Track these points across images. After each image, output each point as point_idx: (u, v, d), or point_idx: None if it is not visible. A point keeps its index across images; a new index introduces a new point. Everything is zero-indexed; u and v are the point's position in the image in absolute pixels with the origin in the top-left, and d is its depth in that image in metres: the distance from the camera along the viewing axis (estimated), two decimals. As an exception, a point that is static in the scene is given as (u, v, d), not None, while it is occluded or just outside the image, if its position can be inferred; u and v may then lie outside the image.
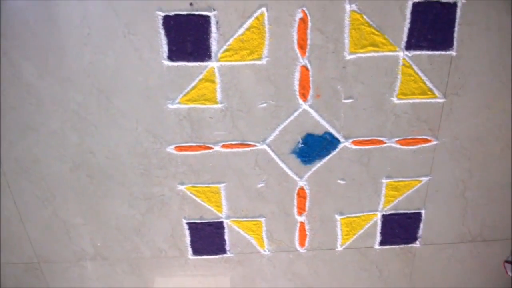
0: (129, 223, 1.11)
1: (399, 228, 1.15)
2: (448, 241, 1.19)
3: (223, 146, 1.01)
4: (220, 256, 1.17)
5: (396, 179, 1.08)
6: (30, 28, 0.87)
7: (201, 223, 1.11)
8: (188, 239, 1.14)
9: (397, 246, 1.18)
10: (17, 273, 1.17)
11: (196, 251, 1.15)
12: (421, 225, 1.15)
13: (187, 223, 1.11)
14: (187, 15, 0.86)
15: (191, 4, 0.85)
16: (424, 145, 1.04)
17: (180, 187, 1.06)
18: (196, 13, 0.86)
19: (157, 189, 1.06)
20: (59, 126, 0.98)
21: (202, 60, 0.91)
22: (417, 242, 1.17)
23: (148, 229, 1.12)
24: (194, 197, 1.08)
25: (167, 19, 0.87)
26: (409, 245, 1.18)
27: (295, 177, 1.06)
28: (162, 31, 0.88)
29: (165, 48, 0.90)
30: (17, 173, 1.03)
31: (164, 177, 1.05)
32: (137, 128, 0.98)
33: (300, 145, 1.01)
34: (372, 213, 1.12)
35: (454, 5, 0.88)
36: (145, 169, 1.03)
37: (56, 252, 1.15)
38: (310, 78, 0.94)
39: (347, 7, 0.87)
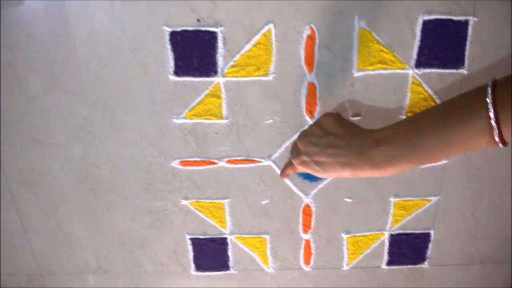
0: (131, 237, 1.10)
1: (407, 248, 1.12)
2: (457, 262, 1.16)
3: (227, 161, 1.00)
4: (223, 272, 1.15)
5: (405, 198, 1.05)
6: (37, 41, 0.87)
7: (205, 238, 1.10)
8: (191, 254, 1.12)
9: (405, 267, 1.15)
10: (19, 284, 1.17)
11: (199, 267, 1.14)
12: (430, 246, 1.12)
13: (190, 239, 1.10)
14: (194, 31, 0.86)
15: (198, 20, 0.85)
16: (433, 164, 1.01)
17: (184, 202, 1.05)
18: (203, 29, 0.86)
19: (161, 203, 1.05)
20: (64, 139, 0.98)
21: (208, 75, 0.90)
22: (426, 262, 1.15)
23: (151, 244, 1.11)
24: (197, 212, 1.06)
25: (173, 35, 0.86)
26: (417, 266, 1.15)
27: (301, 194, 1.04)
28: (168, 46, 0.87)
29: (171, 63, 0.89)
30: (21, 185, 1.03)
31: (168, 192, 1.04)
32: (141, 142, 0.98)
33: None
34: (379, 232, 1.10)
35: (466, 23, 0.87)
36: (149, 183, 1.03)
37: (58, 264, 1.14)
38: (317, 95, 0.93)
39: (356, 24, 0.86)
